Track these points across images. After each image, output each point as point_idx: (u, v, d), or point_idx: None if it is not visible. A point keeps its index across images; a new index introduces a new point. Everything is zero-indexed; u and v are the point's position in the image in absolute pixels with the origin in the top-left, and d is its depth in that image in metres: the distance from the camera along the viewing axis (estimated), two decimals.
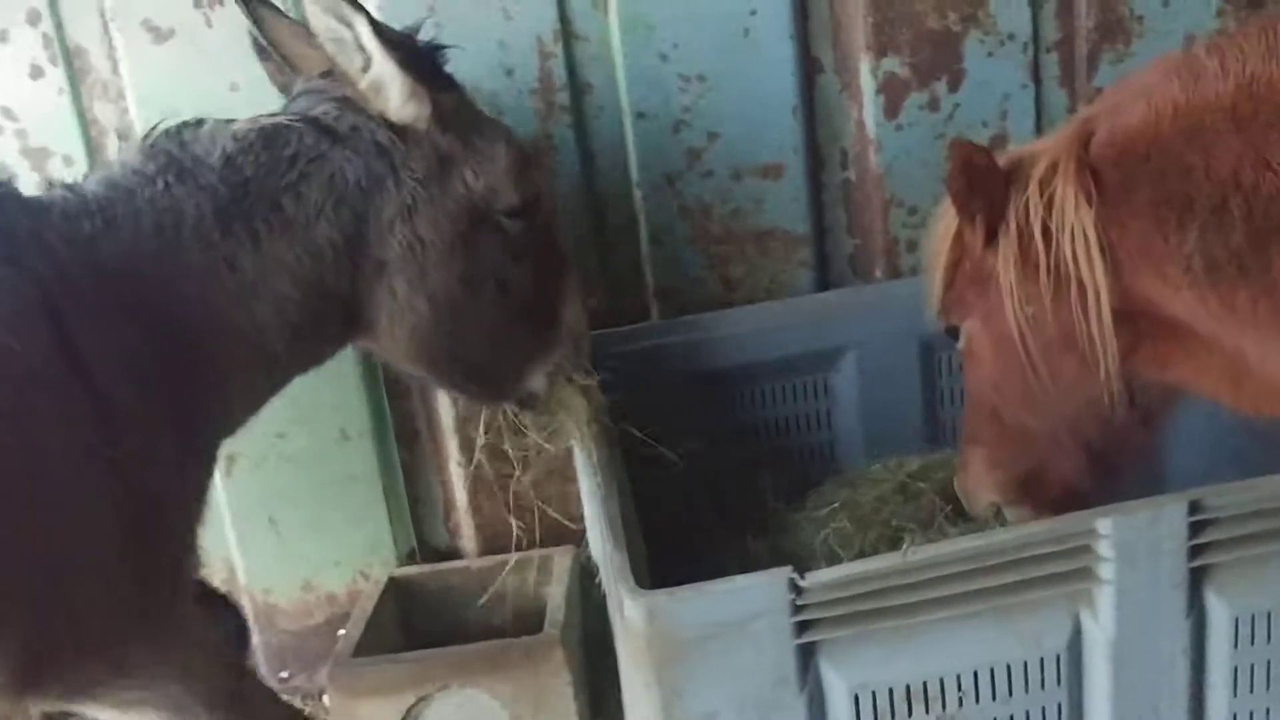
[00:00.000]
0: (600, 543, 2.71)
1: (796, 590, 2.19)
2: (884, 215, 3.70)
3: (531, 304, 2.65)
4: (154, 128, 2.48)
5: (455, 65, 3.24)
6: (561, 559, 3.55)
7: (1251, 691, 2.39)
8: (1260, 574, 2.31)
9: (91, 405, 2.13)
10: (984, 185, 2.25)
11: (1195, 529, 2.25)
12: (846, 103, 3.66)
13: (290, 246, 2.39)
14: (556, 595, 3.34)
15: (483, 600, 3.46)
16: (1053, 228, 2.17)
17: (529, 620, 3.44)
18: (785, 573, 2.18)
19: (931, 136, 3.63)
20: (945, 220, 2.45)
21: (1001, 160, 2.33)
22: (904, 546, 2.23)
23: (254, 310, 2.39)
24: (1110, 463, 2.46)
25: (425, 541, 3.85)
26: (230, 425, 2.54)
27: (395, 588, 3.59)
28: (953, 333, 2.54)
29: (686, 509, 3.41)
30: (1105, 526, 2.23)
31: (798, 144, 3.60)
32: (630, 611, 2.19)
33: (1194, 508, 2.24)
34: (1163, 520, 2.24)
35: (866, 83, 3.59)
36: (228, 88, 3.35)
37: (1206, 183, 2.01)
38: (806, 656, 2.25)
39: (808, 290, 3.71)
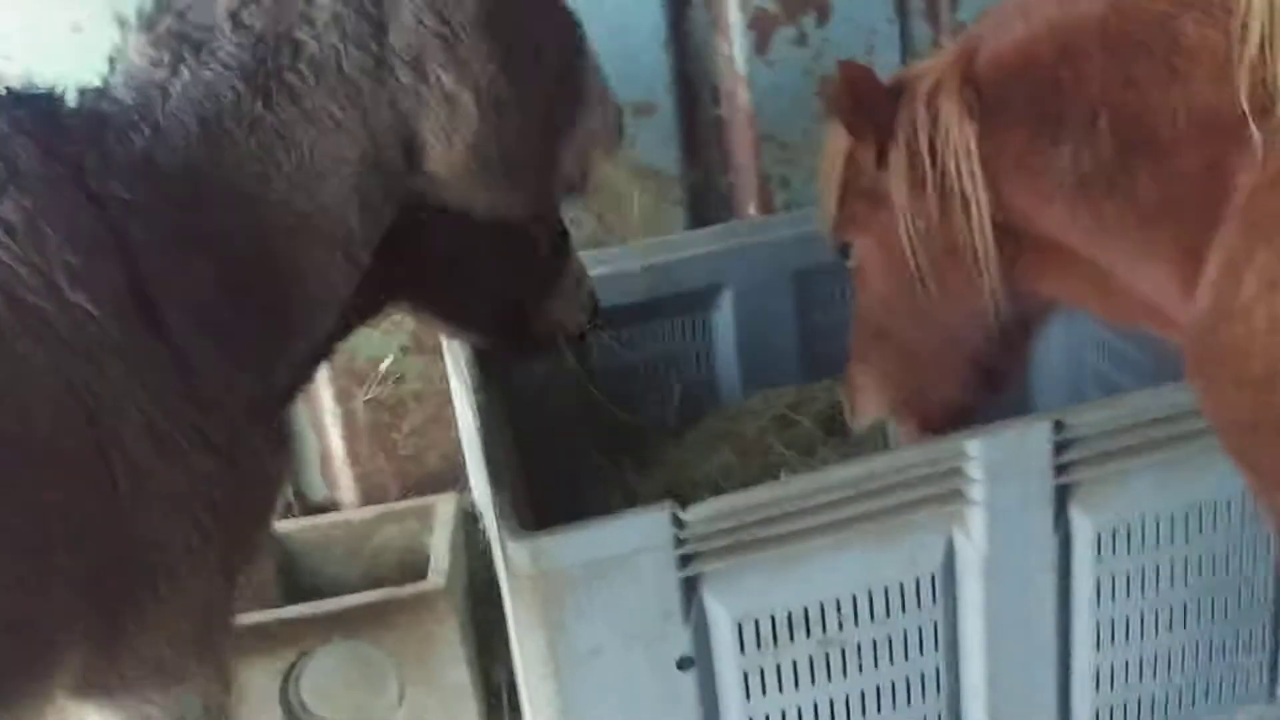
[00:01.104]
0: (482, 487, 2.69)
1: (679, 524, 2.20)
2: (756, 152, 3.71)
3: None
4: (146, 8, 2.13)
5: None
6: (444, 506, 3.51)
7: (1113, 600, 2.49)
8: (1121, 489, 2.41)
9: (173, 368, 1.91)
10: (871, 105, 2.29)
11: (1060, 448, 2.33)
12: (716, 38, 3.64)
13: (329, 92, 2.09)
14: (440, 543, 3.31)
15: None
16: (938, 144, 2.21)
17: (413, 571, 3.40)
18: (667, 507, 2.20)
19: (801, 72, 3.64)
20: (836, 140, 2.47)
21: (890, 79, 2.36)
22: (781, 475, 2.26)
23: (320, 189, 2.11)
24: (991, 375, 2.51)
25: (302, 494, 3.77)
26: (313, 360, 2.33)
27: (271, 542, 3.51)
28: (844, 250, 2.57)
29: (570, 450, 3.40)
30: (974, 448, 2.29)
31: (669, 81, 3.58)
32: (514, 553, 2.18)
33: (1058, 427, 2.32)
34: (1029, 440, 2.31)
35: (735, 17, 3.58)
36: (69, 27, 3.19)
37: (1077, 99, 2.05)
38: (690, 589, 2.27)
39: (682, 228, 3.71)
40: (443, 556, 3.24)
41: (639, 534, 2.19)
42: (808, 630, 2.35)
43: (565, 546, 2.17)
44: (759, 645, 2.34)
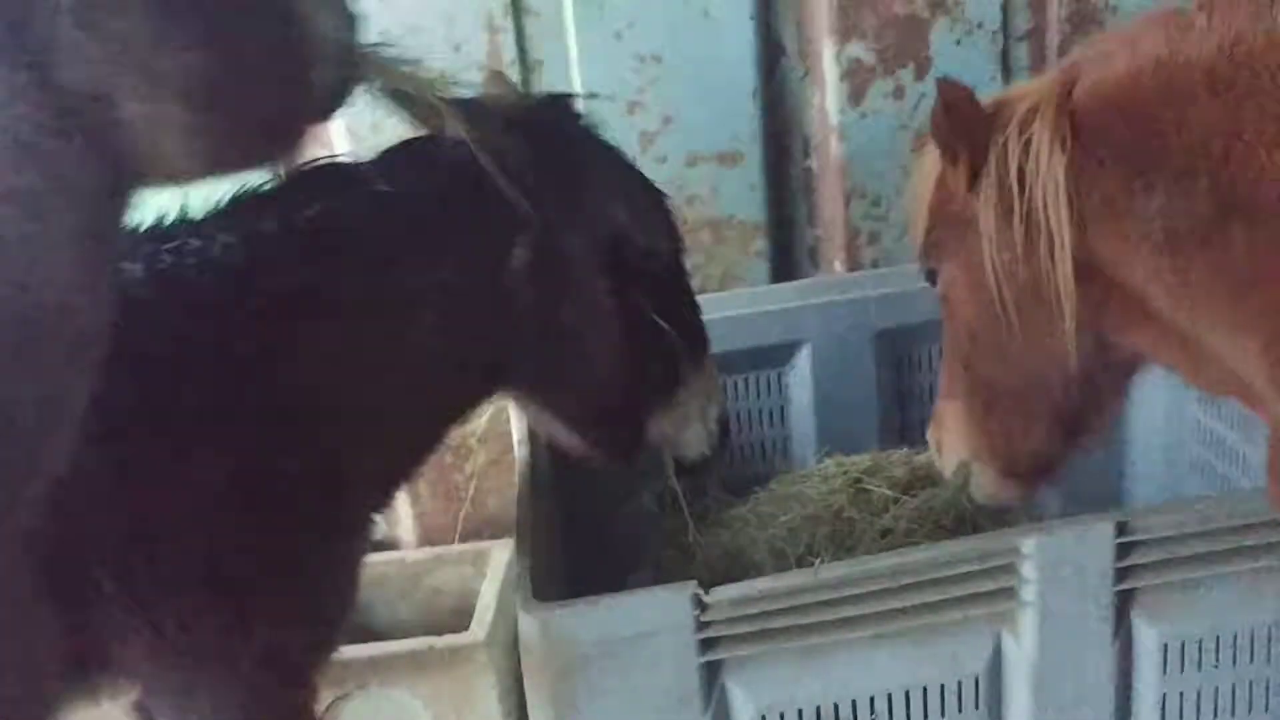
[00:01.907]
0: None
1: (701, 606, 2.09)
2: (845, 206, 3.58)
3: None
4: None
5: (401, 40, 3.16)
6: (499, 553, 3.45)
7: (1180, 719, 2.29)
8: (1191, 599, 2.22)
9: None
10: (968, 127, 2.17)
11: (1123, 550, 2.15)
12: (809, 89, 3.53)
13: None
14: (488, 593, 3.24)
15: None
16: (1027, 173, 2.08)
17: (466, 617, 3.34)
18: (689, 588, 2.09)
19: (896, 126, 3.51)
20: (930, 161, 2.36)
21: (987, 102, 2.23)
22: (816, 564, 2.13)
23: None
24: (1076, 425, 2.34)
25: None
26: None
27: None
28: (932, 277, 2.45)
29: (630, 506, 3.31)
30: (1029, 546, 2.13)
31: (756, 130, 3.48)
32: (524, 625, 2.10)
33: (1121, 529, 2.14)
34: (1088, 541, 2.14)
35: (830, 69, 3.47)
36: None
37: (1177, 145, 1.89)
38: (711, 674, 2.15)
39: (764, 282, 3.60)
40: (488, 607, 3.17)
41: (657, 613, 2.09)
42: None
43: (577, 621, 2.08)
44: None
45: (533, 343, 2.36)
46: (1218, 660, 2.26)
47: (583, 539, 2.69)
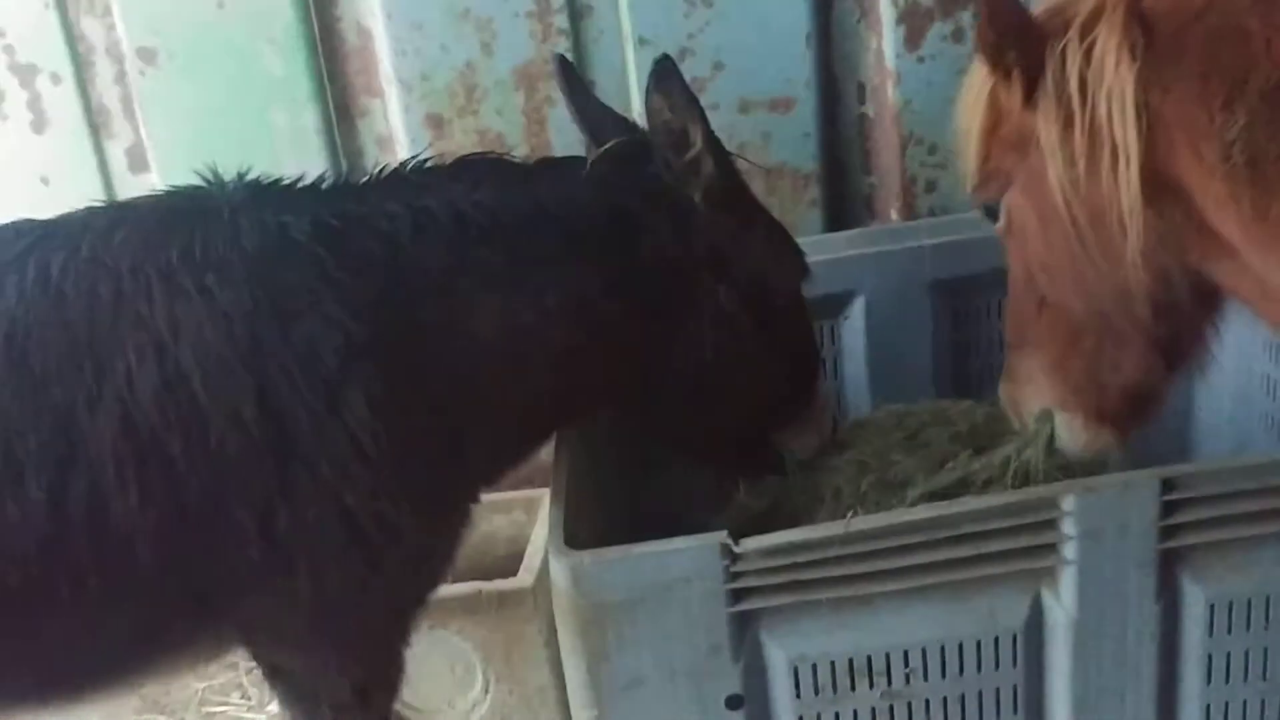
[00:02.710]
0: None
1: (731, 556, 2.08)
2: (901, 153, 3.49)
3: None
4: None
5: None
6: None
7: (1227, 681, 2.24)
8: (1241, 558, 2.15)
9: None
10: (1018, 35, 2.01)
11: (1168, 509, 2.09)
12: (865, 32, 3.44)
13: None
14: (537, 539, 3.26)
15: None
16: (1089, 81, 1.92)
17: (516, 563, 3.37)
18: (717, 537, 2.08)
19: (955, 70, 3.38)
20: (976, 84, 2.20)
21: (1041, 6, 2.09)
22: (849, 516, 2.10)
23: None
24: (1170, 353, 2.20)
25: None
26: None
27: None
28: (991, 212, 2.29)
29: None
30: (1069, 503, 2.08)
31: (810, 76, 3.40)
32: (555, 571, 2.11)
33: (1167, 485, 2.08)
34: (1132, 498, 2.08)
35: (887, 11, 3.37)
36: (215, 4, 3.26)
37: (1265, 57, 1.75)
38: (743, 625, 2.14)
39: (817, 231, 3.53)
40: (537, 553, 3.19)
41: (686, 563, 2.08)
42: (871, 680, 2.19)
43: (606, 569, 2.08)
44: (816, 691, 2.19)
45: (671, 375, 2.45)
46: (1267, 620, 2.19)
47: (624, 489, 2.68)
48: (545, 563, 3.14)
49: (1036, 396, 2.36)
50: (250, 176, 2.28)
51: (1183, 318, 2.14)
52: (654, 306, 2.40)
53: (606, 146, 2.43)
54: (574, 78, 2.66)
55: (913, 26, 3.38)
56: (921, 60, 3.41)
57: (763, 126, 3.43)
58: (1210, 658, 2.21)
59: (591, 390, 2.46)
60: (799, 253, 2.63)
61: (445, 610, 3.08)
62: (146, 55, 3.30)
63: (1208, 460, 2.08)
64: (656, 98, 2.30)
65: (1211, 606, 2.17)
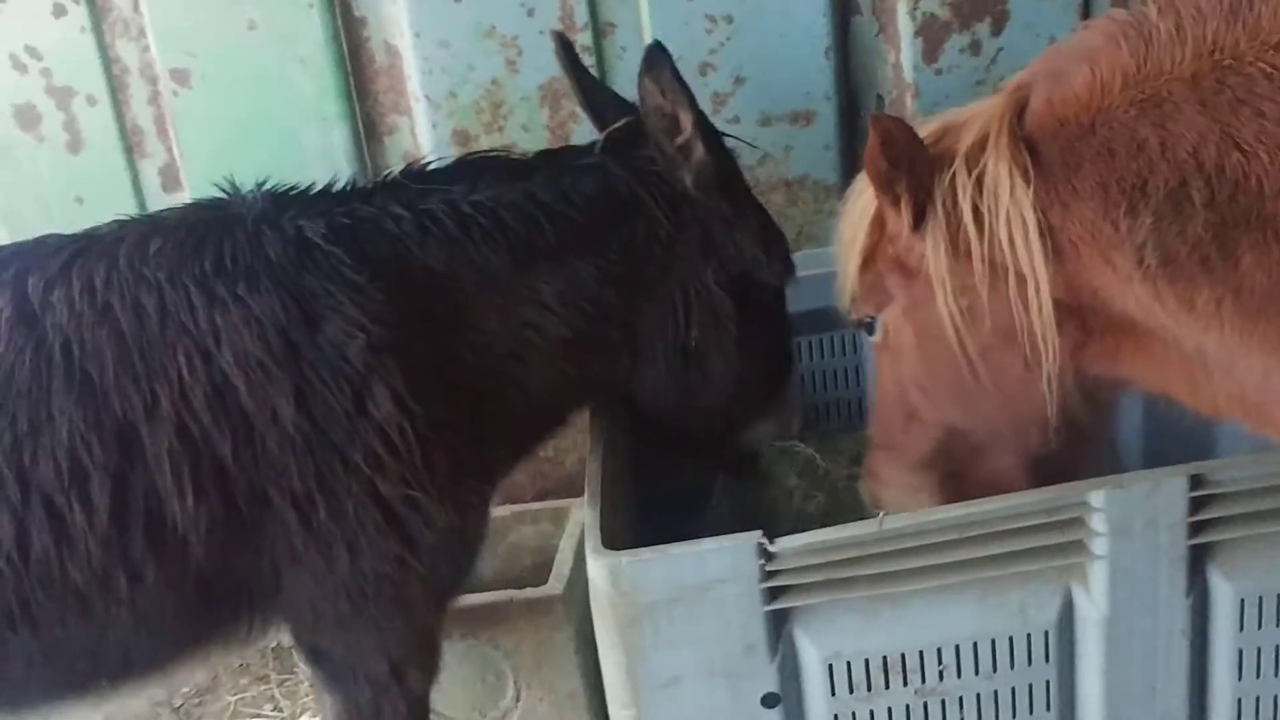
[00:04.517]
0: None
1: (766, 556, 2.11)
2: None
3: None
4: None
5: (474, 3, 3.21)
6: (578, 511, 3.50)
7: (1258, 676, 2.25)
8: (1271, 553, 2.17)
9: None
10: (909, 163, 2.01)
11: (1197, 504, 2.11)
12: (883, 45, 3.50)
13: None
14: (565, 548, 3.30)
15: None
16: (984, 210, 1.93)
17: (546, 572, 3.40)
18: (754, 537, 2.11)
19: (973, 82, 3.46)
20: (862, 199, 2.21)
21: (924, 130, 2.10)
22: (880, 515, 2.13)
23: None
24: (1054, 459, 2.23)
25: None
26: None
27: None
28: (866, 326, 2.31)
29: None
30: (1098, 499, 2.10)
31: (830, 89, 3.46)
32: (593, 572, 2.14)
33: (1195, 482, 2.10)
34: (1160, 494, 2.10)
35: (904, 24, 3.43)
36: (246, 26, 3.32)
37: (1162, 162, 1.78)
38: (778, 623, 2.17)
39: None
40: (566, 561, 3.23)
41: (723, 562, 2.11)
42: (905, 678, 2.21)
43: (644, 569, 2.11)
44: (851, 689, 2.22)
45: (656, 354, 2.56)
46: None
47: (654, 493, 2.71)
48: (575, 571, 3.20)
49: (902, 500, 2.37)
50: (267, 186, 2.40)
51: (1072, 428, 2.16)
52: (647, 290, 2.50)
53: (608, 131, 2.54)
54: (575, 56, 2.74)
55: (930, 39, 3.43)
56: (939, 73, 3.46)
57: (784, 139, 3.48)
58: (1241, 653, 2.23)
59: (594, 373, 2.57)
60: (786, 249, 2.71)
61: (476, 619, 3.12)
62: (179, 76, 3.37)
63: (1234, 456, 2.09)
64: (647, 83, 2.38)
65: (1241, 601, 2.19)
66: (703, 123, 2.46)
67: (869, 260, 2.21)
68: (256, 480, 2.17)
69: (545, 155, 2.62)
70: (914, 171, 2.01)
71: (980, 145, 1.96)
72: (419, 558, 2.31)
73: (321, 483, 2.19)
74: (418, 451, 2.25)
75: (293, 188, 2.42)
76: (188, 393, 2.13)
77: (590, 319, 2.46)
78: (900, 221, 2.08)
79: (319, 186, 2.45)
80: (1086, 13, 3.41)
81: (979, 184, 1.94)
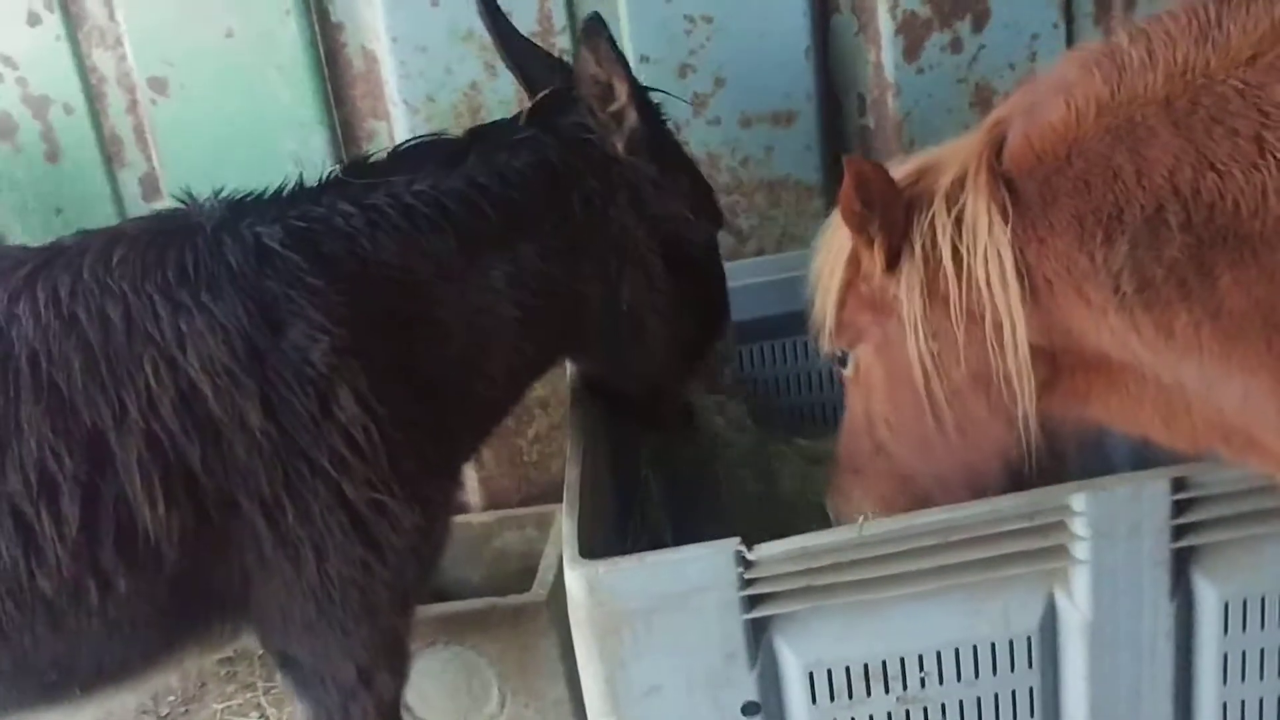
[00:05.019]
0: None
1: (745, 563, 2.09)
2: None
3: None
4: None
5: (451, 6, 3.19)
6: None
7: (1243, 680, 2.23)
8: (1255, 556, 2.15)
9: None
10: (882, 204, 1.99)
11: (1180, 507, 2.09)
12: (864, 45, 3.48)
13: None
14: (550, 554, 3.28)
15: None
16: (963, 250, 1.91)
17: (531, 578, 3.39)
18: (732, 544, 2.08)
19: (954, 80, 3.45)
20: (837, 236, 2.19)
21: (901, 171, 2.09)
22: (860, 520, 2.11)
23: None
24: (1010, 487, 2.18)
25: None
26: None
27: None
28: (840, 360, 2.29)
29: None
30: (1080, 503, 2.08)
31: (811, 89, 3.44)
32: (571, 582, 2.12)
33: (1178, 485, 2.08)
34: (1143, 497, 2.08)
35: (885, 23, 3.41)
36: (223, 34, 3.30)
37: (1138, 189, 1.76)
38: (758, 631, 2.15)
39: None
40: (550, 568, 3.21)
41: (701, 571, 2.09)
42: (886, 685, 2.19)
43: (621, 578, 2.09)
44: (832, 697, 2.19)
45: (596, 319, 2.58)
46: None
47: (635, 498, 2.70)
48: (559, 577, 3.17)
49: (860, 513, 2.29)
50: (224, 194, 2.40)
51: (1034, 468, 2.11)
52: (585, 257, 2.52)
53: (536, 99, 2.57)
54: (496, 8, 2.71)
55: (911, 38, 3.42)
56: (921, 71, 3.44)
57: (765, 140, 3.46)
58: (1226, 657, 2.21)
59: (548, 347, 2.62)
60: (715, 204, 2.76)
61: (460, 625, 3.11)
62: (157, 85, 3.35)
63: (1218, 459, 2.07)
64: (584, 53, 2.41)
65: (1226, 605, 2.17)
66: (636, 90, 2.50)
67: (843, 297, 2.20)
68: (225, 486, 2.17)
69: (477, 134, 2.60)
70: (888, 214, 2.00)
71: (959, 183, 1.94)
72: (385, 562, 2.31)
73: (289, 487, 2.20)
74: (383, 453, 2.26)
75: (249, 194, 2.42)
76: (155, 401, 2.13)
77: (538, 295, 2.47)
78: (874, 262, 2.07)
79: (272, 189, 2.45)
80: (1068, 9, 3.40)
81: (958, 223, 1.93)
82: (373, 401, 2.25)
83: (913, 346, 2.03)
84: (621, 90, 2.45)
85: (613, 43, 2.42)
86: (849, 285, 2.18)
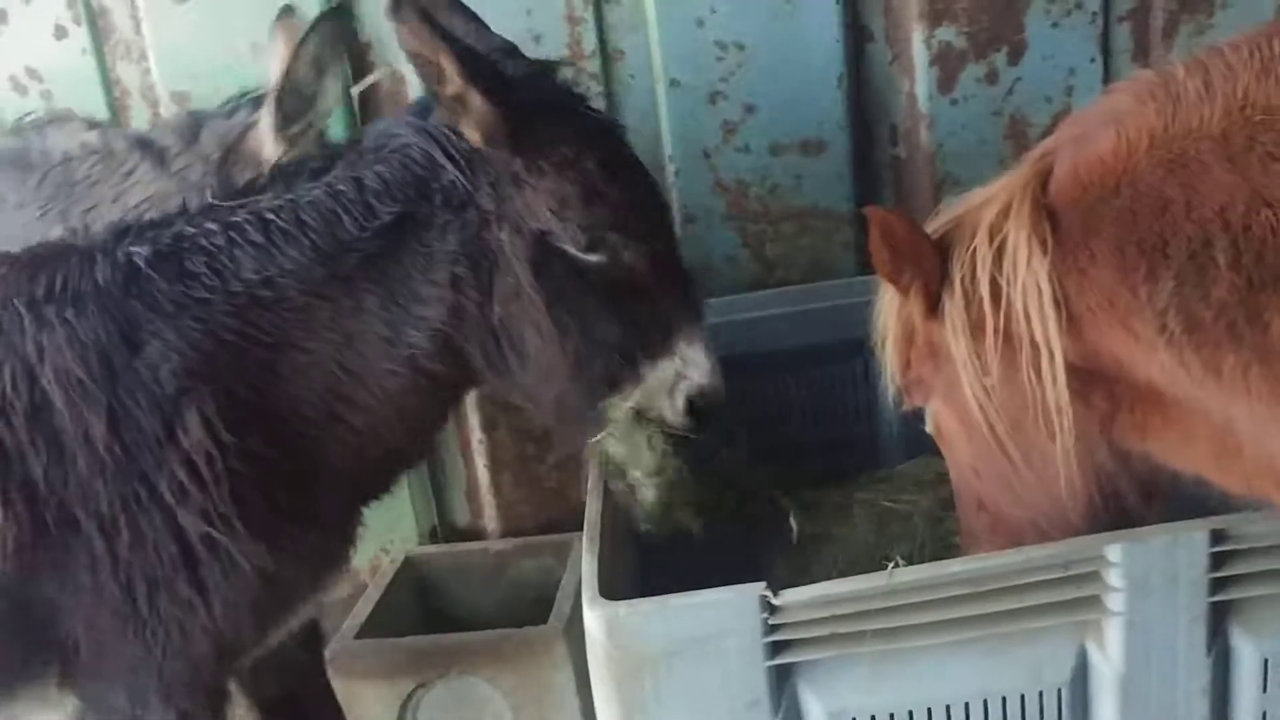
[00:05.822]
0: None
1: (770, 609, 2.03)
2: (935, 196, 3.47)
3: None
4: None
5: None
6: (581, 545, 3.42)
7: None
8: None
9: None
10: (911, 250, 1.99)
11: (1218, 560, 2.03)
12: (897, 75, 3.44)
13: None
14: (568, 584, 3.23)
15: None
16: (1002, 281, 1.89)
17: (548, 607, 3.34)
18: (757, 589, 2.03)
19: (989, 112, 3.40)
20: (889, 293, 2.17)
21: (949, 212, 2.07)
22: (889, 566, 2.06)
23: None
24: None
25: (447, 519, 3.76)
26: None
27: (411, 567, 3.52)
28: (919, 416, 2.26)
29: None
30: (1115, 554, 2.02)
31: (842, 118, 3.40)
32: (590, 623, 2.07)
33: (1217, 537, 2.02)
34: (1180, 549, 2.02)
35: (919, 53, 3.37)
36: (248, 48, 3.28)
37: (1185, 221, 1.72)
38: (782, 678, 2.09)
39: (850, 273, 3.51)
40: (567, 599, 3.16)
41: (725, 615, 2.04)
42: None
43: (645, 620, 2.04)
44: None
45: (474, 336, 2.33)
46: None
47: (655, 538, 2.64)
48: (575, 609, 3.12)
49: None
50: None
51: (1117, 514, 2.07)
52: (457, 261, 2.27)
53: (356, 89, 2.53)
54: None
55: (946, 69, 3.37)
56: (955, 103, 3.40)
57: (795, 169, 3.42)
58: (1265, 715, 2.14)
59: (433, 371, 2.33)
60: (592, 216, 2.27)
61: (474, 657, 3.07)
62: (180, 99, 3.33)
63: (1260, 510, 2.01)
64: (397, 29, 2.17)
65: (1265, 661, 2.10)
66: (483, 71, 2.19)
67: (904, 353, 2.18)
68: (66, 501, 2.13)
69: (352, 141, 2.48)
70: (918, 259, 1.99)
71: (1004, 215, 1.92)
72: (209, 607, 2.19)
73: (127, 510, 2.14)
74: (226, 486, 2.15)
75: (143, 219, 2.39)
76: (8, 409, 2.13)
77: (411, 310, 2.27)
78: (915, 310, 2.06)
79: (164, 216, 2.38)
80: (1105, 43, 3.35)
81: (999, 255, 1.91)
82: (220, 429, 2.16)
83: (966, 385, 2.01)
84: (451, 70, 2.15)
85: (428, 15, 2.15)
86: (906, 340, 2.16)
